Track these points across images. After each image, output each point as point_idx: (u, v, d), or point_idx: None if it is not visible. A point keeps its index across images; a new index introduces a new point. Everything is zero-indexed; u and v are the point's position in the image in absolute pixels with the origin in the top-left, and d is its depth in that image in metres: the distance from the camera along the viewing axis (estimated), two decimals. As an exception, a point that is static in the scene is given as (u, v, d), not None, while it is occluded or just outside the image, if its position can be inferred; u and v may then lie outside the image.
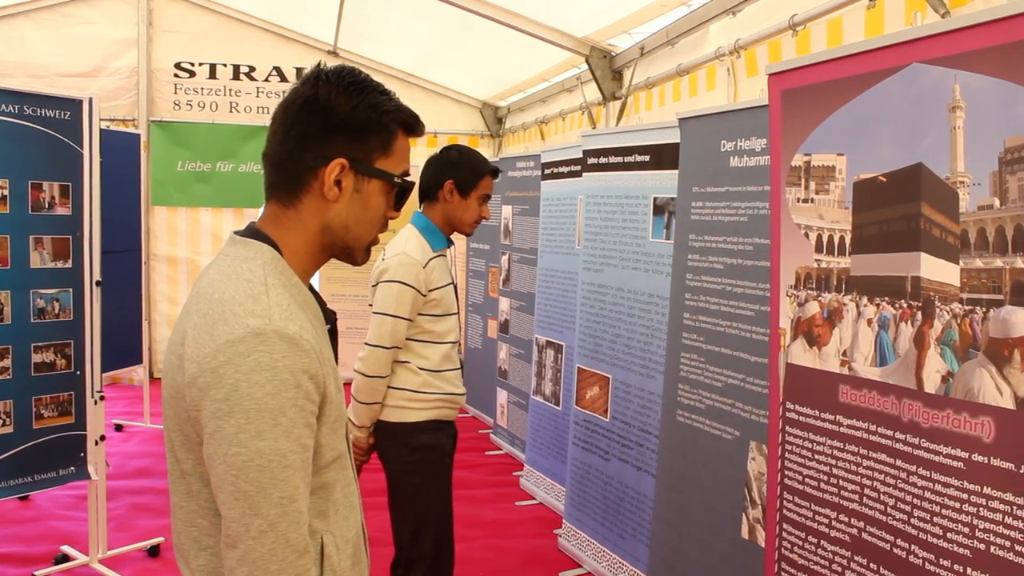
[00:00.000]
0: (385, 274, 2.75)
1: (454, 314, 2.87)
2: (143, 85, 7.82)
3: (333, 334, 1.39)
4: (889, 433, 1.86)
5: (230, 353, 1.16)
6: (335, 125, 1.30)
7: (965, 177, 1.69)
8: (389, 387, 2.78)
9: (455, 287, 2.92)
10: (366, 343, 2.75)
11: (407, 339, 2.77)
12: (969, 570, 1.66)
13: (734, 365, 2.87)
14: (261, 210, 1.38)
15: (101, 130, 3.82)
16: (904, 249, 1.84)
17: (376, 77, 1.36)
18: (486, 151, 8.51)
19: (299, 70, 8.04)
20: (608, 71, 5.76)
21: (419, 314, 2.76)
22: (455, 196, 2.87)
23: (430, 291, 2.76)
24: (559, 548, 4.30)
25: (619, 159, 3.88)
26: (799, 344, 2.14)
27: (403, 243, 2.80)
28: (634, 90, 5.43)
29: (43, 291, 3.57)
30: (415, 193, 2.32)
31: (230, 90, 8.13)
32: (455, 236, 2.95)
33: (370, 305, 2.81)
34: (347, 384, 2.19)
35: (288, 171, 1.32)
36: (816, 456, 2.08)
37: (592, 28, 5.59)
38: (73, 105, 3.64)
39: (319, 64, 1.35)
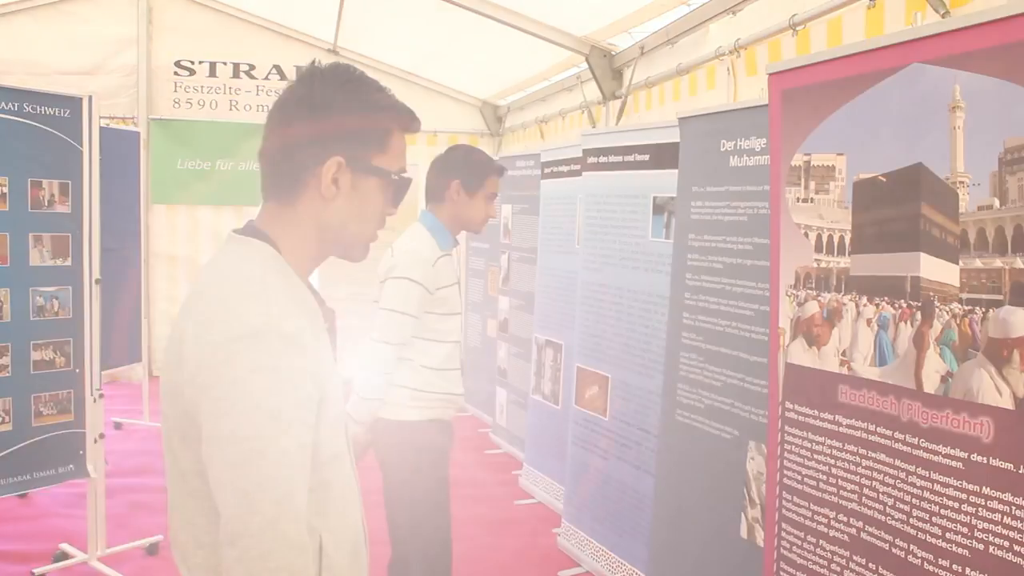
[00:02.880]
0: (395, 270, 2.75)
1: (458, 313, 2.88)
2: (143, 83, 7.80)
3: (332, 332, 1.39)
4: (888, 433, 1.86)
5: (229, 351, 1.16)
6: (331, 123, 1.29)
7: (965, 177, 1.69)
8: (390, 384, 2.78)
9: (459, 287, 2.93)
10: (371, 338, 2.75)
11: (412, 336, 2.77)
12: (967, 570, 1.66)
13: (733, 364, 2.86)
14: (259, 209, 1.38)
15: (101, 128, 3.82)
16: (904, 249, 1.84)
17: (376, 76, 1.36)
18: (486, 150, 8.43)
19: (299, 68, 8.02)
20: (608, 70, 5.76)
21: (426, 312, 2.77)
22: (462, 196, 2.87)
23: (438, 289, 2.76)
24: (558, 547, 4.29)
25: (619, 158, 3.87)
26: (798, 344, 2.14)
27: (412, 240, 2.80)
28: (634, 89, 5.42)
29: (42, 289, 3.57)
30: (414, 190, 2.32)
31: (230, 88, 8.12)
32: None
33: (375, 301, 2.81)
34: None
35: (285, 170, 1.32)
36: (815, 456, 2.08)
37: (592, 27, 5.58)
38: (73, 103, 3.64)
39: (314, 62, 1.35)
